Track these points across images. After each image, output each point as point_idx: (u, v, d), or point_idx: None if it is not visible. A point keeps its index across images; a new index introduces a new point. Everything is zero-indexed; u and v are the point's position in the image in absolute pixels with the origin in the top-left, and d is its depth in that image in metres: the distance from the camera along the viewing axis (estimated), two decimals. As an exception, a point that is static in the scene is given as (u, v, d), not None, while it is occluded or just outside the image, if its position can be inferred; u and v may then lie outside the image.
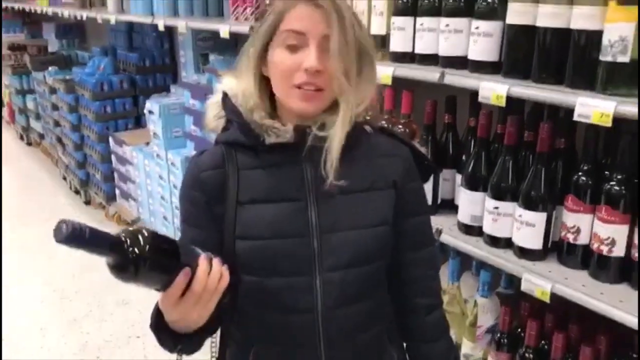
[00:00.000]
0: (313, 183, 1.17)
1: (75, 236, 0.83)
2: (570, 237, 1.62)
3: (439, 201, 2.04)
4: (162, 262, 0.96)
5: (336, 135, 1.12)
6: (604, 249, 1.54)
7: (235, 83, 1.20)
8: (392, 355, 1.31)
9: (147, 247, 0.93)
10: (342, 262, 1.17)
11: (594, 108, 1.36)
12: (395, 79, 1.90)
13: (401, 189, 1.24)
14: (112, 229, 4.70)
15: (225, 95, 1.20)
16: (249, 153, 1.19)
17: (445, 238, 1.88)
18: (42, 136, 6.59)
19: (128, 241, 0.92)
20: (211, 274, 1.02)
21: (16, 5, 6.67)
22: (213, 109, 1.24)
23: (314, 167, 1.16)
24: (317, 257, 1.16)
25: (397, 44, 1.92)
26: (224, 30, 2.78)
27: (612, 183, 1.51)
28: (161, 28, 3.53)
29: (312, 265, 1.16)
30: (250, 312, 1.24)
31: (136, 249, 0.92)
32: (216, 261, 1.04)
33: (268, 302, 1.20)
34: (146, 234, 0.95)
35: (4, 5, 7.25)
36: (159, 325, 1.10)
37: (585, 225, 1.59)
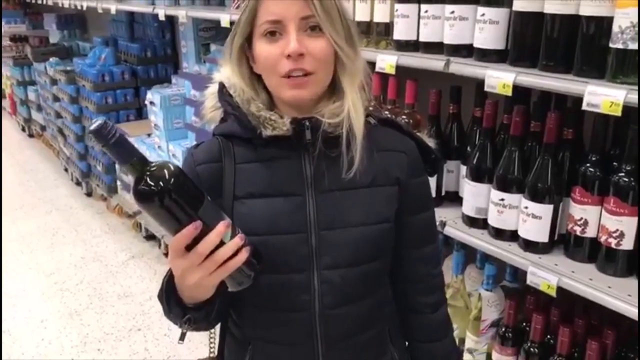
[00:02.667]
0: (312, 178, 1.13)
1: (101, 134, 0.89)
2: (578, 230, 1.58)
3: (443, 193, 2.01)
4: (177, 203, 0.93)
5: (353, 111, 1.09)
6: (612, 242, 1.50)
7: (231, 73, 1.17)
8: (394, 355, 1.28)
9: (171, 181, 0.92)
10: (341, 260, 1.14)
11: (604, 97, 1.32)
12: (399, 68, 1.86)
13: (405, 186, 1.20)
14: (113, 220, 4.72)
15: (222, 87, 1.17)
16: (246, 146, 1.15)
17: (449, 231, 1.85)
18: (43, 128, 6.58)
19: (153, 169, 0.93)
20: (225, 246, 0.97)
21: (17, -4, 6.64)
22: (210, 99, 1.20)
23: (314, 161, 1.13)
24: (315, 254, 1.13)
25: (401, 32, 1.88)
26: (224, 19, 2.74)
27: (620, 174, 1.47)
28: (162, 17, 3.49)
29: (310, 263, 1.13)
30: (246, 309, 1.21)
31: (156, 181, 0.92)
32: (238, 237, 0.99)
33: (264, 299, 1.17)
34: (173, 169, 0.94)
35: (5, -5, 7.22)
36: (169, 290, 1.07)
37: (593, 217, 1.55)
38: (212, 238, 0.96)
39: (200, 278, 0.99)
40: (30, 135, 7.25)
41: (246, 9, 1.10)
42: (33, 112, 6.86)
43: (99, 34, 5.68)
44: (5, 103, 8.10)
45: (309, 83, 1.07)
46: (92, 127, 0.89)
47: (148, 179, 0.92)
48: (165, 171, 0.93)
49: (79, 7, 4.78)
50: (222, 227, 0.97)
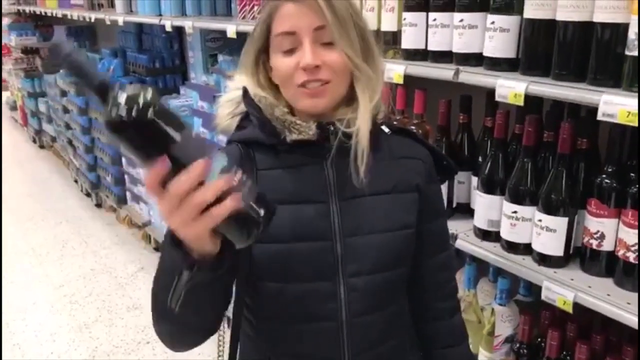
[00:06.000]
0: (335, 184, 1.12)
1: (55, 52, 0.77)
2: (594, 243, 1.53)
3: (454, 205, 1.96)
4: (146, 135, 0.79)
5: (363, 126, 1.08)
6: (631, 256, 1.45)
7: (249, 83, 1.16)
8: None
9: (140, 110, 0.76)
10: (366, 267, 1.13)
11: (620, 106, 1.28)
12: (407, 78, 1.82)
13: (423, 192, 1.20)
14: (122, 231, 4.72)
15: (246, 91, 1.15)
16: (267, 152, 1.13)
17: (460, 244, 1.80)
18: (54, 139, 6.60)
19: (121, 95, 0.77)
20: (202, 188, 0.81)
21: (27, 8, 6.68)
22: (226, 107, 1.18)
23: (336, 168, 1.12)
24: (340, 262, 1.11)
25: (409, 41, 1.84)
26: (231, 29, 2.71)
27: (638, 185, 1.42)
28: (168, 28, 3.48)
29: (336, 271, 1.11)
30: (269, 321, 1.18)
31: (125, 109, 0.76)
32: (225, 180, 0.82)
33: (289, 310, 1.14)
34: (147, 94, 0.78)
35: (16, 8, 7.27)
36: (173, 243, 0.92)
37: (610, 230, 1.50)
38: (183, 178, 0.80)
39: (181, 223, 0.84)
40: (41, 147, 7.28)
41: (260, 21, 1.10)
42: (44, 124, 6.89)
43: (108, 45, 5.69)
44: (17, 115, 8.15)
45: (325, 92, 1.07)
46: (54, 52, 0.77)
47: (114, 106, 0.77)
48: (136, 97, 0.77)
49: (87, 19, 4.79)
50: (197, 167, 0.80)
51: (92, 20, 4.68)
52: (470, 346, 1.87)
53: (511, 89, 1.50)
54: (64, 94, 5.45)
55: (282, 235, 1.09)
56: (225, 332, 1.28)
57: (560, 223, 1.57)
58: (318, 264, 1.11)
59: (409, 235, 1.18)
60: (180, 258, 0.91)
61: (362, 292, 1.13)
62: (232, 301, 1.17)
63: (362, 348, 1.16)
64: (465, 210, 1.94)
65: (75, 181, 5.84)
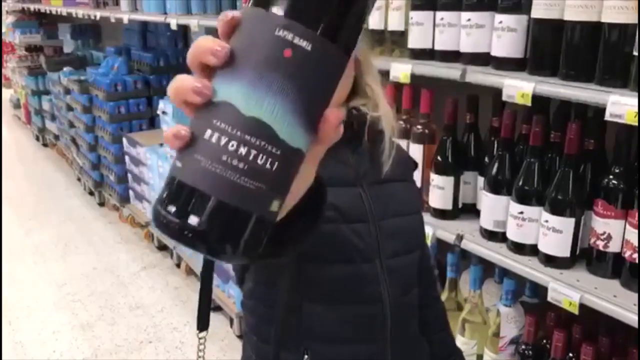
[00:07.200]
0: (360, 169, 1.15)
1: None
2: (600, 244, 1.53)
3: (460, 205, 1.95)
4: None
5: (385, 106, 1.12)
6: (637, 257, 1.44)
7: None
8: (426, 346, 1.31)
9: None
10: (398, 248, 1.17)
11: (628, 107, 1.27)
12: (414, 77, 1.81)
13: (413, 182, 1.28)
14: (125, 231, 4.71)
15: None
16: None
17: (466, 244, 1.80)
18: (57, 137, 6.60)
19: None
20: None
21: (32, 6, 6.68)
22: None
23: (358, 153, 1.15)
24: (377, 244, 1.14)
25: (416, 40, 1.84)
26: (236, 28, 2.71)
27: (646, 187, 1.42)
28: (174, 27, 3.48)
29: (376, 252, 1.14)
30: (310, 307, 1.16)
31: None
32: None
33: (335, 292, 1.14)
34: None
35: (20, 6, 7.29)
36: None
37: (617, 231, 1.49)
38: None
39: None
40: (45, 145, 7.28)
41: None
42: (47, 122, 6.89)
43: (112, 44, 5.70)
44: (20, 112, 8.17)
45: None
46: None
47: None
48: None
49: (92, 17, 4.79)
50: None
51: (97, 18, 4.69)
52: (475, 347, 1.88)
53: (518, 88, 1.50)
54: (67, 91, 5.44)
55: (329, 214, 1.09)
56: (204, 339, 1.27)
57: (566, 224, 1.56)
58: (361, 246, 1.13)
59: (421, 219, 1.25)
60: None
61: (399, 273, 1.16)
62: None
63: (402, 329, 1.18)
64: (471, 211, 1.93)
65: (79, 179, 5.83)
